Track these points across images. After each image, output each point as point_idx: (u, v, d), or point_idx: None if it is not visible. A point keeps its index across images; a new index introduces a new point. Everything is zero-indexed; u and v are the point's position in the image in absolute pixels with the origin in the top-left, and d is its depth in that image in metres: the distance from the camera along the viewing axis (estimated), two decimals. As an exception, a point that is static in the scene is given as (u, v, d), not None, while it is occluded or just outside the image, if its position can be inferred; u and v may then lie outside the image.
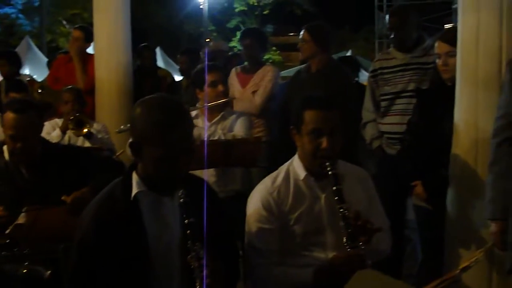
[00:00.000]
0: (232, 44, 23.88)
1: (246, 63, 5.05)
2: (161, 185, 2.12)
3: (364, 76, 12.09)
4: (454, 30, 3.11)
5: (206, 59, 5.05)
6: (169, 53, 17.10)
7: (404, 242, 4.20)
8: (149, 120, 2.02)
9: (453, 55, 3.13)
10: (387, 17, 4.22)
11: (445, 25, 22.37)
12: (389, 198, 3.36)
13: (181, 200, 2.06)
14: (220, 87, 3.72)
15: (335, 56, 14.86)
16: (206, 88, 3.71)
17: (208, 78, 3.69)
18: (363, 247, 2.30)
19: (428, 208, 3.33)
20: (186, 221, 2.03)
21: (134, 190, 2.10)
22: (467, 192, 2.84)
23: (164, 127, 2.00)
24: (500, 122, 2.59)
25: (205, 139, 3.51)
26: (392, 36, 4.06)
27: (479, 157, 2.78)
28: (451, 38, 3.16)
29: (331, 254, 2.45)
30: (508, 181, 2.52)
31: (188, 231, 2.02)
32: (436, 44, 3.32)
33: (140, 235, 2.07)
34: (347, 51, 18.12)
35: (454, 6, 18.50)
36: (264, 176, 2.69)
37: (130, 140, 2.09)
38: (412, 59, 3.96)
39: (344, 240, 2.31)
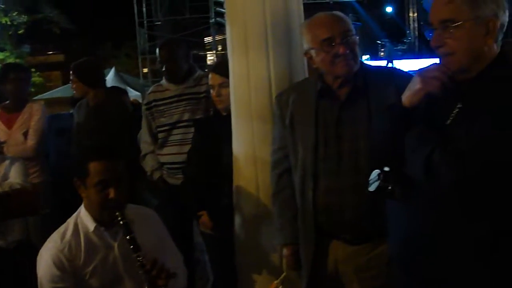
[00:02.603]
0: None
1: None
2: None
3: (131, 93, 12.12)
4: (226, 62, 3.23)
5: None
6: None
7: (194, 264, 4.31)
8: None
9: (226, 86, 3.24)
10: (157, 50, 4.30)
11: (204, 38, 23.31)
12: (176, 227, 3.44)
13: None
14: None
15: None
16: None
17: None
18: None
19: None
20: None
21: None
22: (253, 220, 2.97)
23: None
24: (277, 155, 2.75)
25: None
26: (163, 68, 4.13)
27: (261, 187, 2.93)
28: (223, 70, 3.30)
29: None
30: (292, 208, 2.70)
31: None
32: (210, 76, 3.46)
33: None
34: (110, 68, 17.92)
35: (211, 21, 19.41)
36: (47, 222, 2.59)
37: None
38: (184, 90, 4.07)
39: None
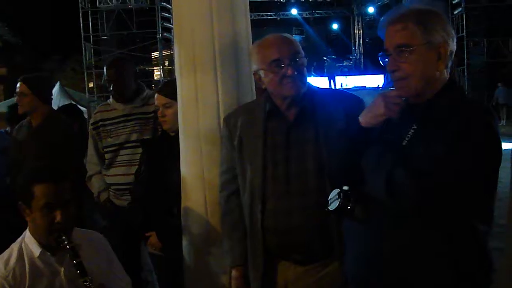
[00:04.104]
0: None
1: None
2: None
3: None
4: (171, 83, 3.24)
5: None
6: None
7: (142, 285, 4.27)
8: None
9: (169, 106, 3.26)
10: (104, 69, 4.25)
11: (152, 53, 23.21)
12: (123, 248, 3.40)
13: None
14: None
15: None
16: None
17: None
18: None
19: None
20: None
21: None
22: (201, 241, 2.95)
23: None
24: (225, 176, 2.76)
25: None
26: (111, 88, 4.09)
27: (209, 208, 2.91)
28: (168, 90, 3.31)
29: None
30: (240, 230, 2.71)
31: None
32: (156, 96, 3.45)
33: None
34: (56, 82, 17.61)
35: (158, 36, 19.38)
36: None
37: None
38: (132, 110, 4.04)
39: None
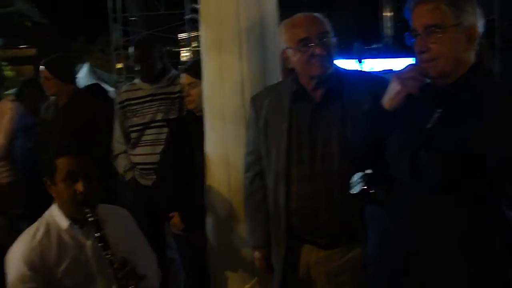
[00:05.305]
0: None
1: None
2: None
3: (107, 88, 12.00)
4: (197, 63, 3.24)
5: None
6: None
7: (167, 263, 4.31)
8: None
9: (195, 86, 3.28)
10: (130, 49, 4.28)
11: (178, 35, 23.24)
12: (148, 227, 3.43)
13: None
14: None
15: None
16: None
17: None
18: None
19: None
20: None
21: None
22: (225, 221, 2.98)
23: None
24: (250, 157, 2.76)
25: None
26: (137, 67, 4.12)
27: (232, 189, 2.94)
28: (194, 70, 3.31)
29: None
30: (263, 211, 2.71)
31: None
32: (182, 75, 3.47)
33: None
34: (84, 63, 17.74)
35: (186, 17, 19.32)
36: (16, 222, 2.57)
37: None
38: (158, 90, 4.06)
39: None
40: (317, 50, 2.49)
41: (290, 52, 2.57)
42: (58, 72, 4.20)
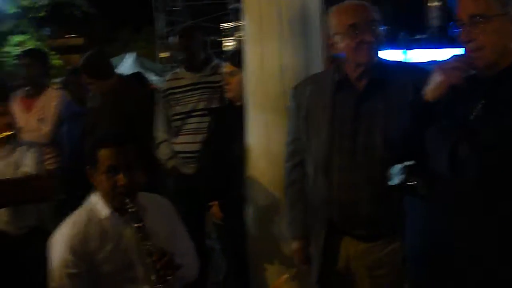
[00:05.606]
0: (6, 49, 22.28)
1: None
2: None
3: (151, 78, 12.17)
4: (239, 52, 3.26)
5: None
6: None
7: (207, 253, 4.34)
8: None
9: (235, 74, 3.29)
10: (173, 38, 4.31)
11: (221, 24, 23.32)
12: (189, 215, 3.45)
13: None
14: (4, 119, 3.49)
15: (119, 59, 14.45)
16: None
17: None
18: (171, 281, 2.33)
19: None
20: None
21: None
22: (265, 211, 2.98)
23: None
24: (291, 147, 2.73)
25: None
26: (180, 56, 4.15)
27: (273, 179, 2.93)
28: (234, 59, 3.33)
29: None
30: (303, 202, 2.69)
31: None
32: (223, 64, 3.49)
33: None
34: (130, 52, 18.00)
35: (231, 7, 19.39)
36: (60, 209, 2.61)
37: None
38: (200, 79, 4.09)
39: (153, 277, 2.34)
40: (366, 37, 2.45)
41: (338, 38, 2.53)
42: (96, 73, 4.26)
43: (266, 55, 2.91)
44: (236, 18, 19.81)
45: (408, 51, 23.90)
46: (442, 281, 2.08)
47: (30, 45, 20.69)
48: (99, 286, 2.48)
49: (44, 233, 2.76)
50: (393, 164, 2.17)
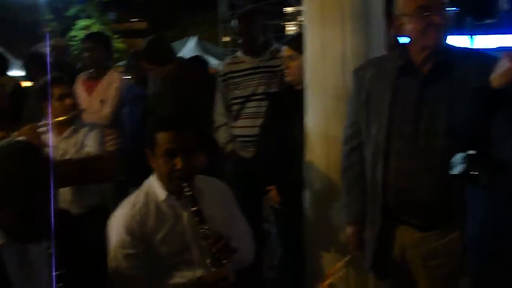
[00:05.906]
0: (73, 33, 22.91)
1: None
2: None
3: (213, 62, 12.25)
4: (299, 36, 3.22)
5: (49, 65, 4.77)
6: (5, 45, 15.96)
7: (263, 237, 4.35)
8: None
9: (294, 58, 3.26)
10: (234, 22, 4.30)
11: (284, 8, 23.18)
12: (246, 199, 3.46)
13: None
14: (68, 101, 3.56)
15: (181, 42, 14.60)
16: (53, 102, 3.52)
17: (54, 91, 3.51)
18: (226, 264, 2.35)
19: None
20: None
21: None
22: (323, 196, 2.96)
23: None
24: (350, 130, 2.69)
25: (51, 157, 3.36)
26: (240, 40, 4.14)
27: (331, 163, 2.90)
28: (294, 43, 3.30)
29: (198, 271, 2.47)
30: (360, 186, 2.64)
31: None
32: (283, 48, 3.46)
33: None
34: (192, 35, 18.16)
35: (292, -9, 19.29)
36: (121, 189, 2.64)
37: None
38: (260, 63, 4.08)
39: (208, 261, 2.36)
40: (436, 19, 2.38)
41: (405, 19, 2.46)
42: (156, 59, 4.26)
43: (327, 39, 2.88)
44: (299, 3, 19.72)
45: (475, 37, 23.14)
46: (505, 273, 2.02)
47: (95, 29, 21.22)
48: (155, 268, 2.51)
49: (106, 212, 2.81)
50: (455, 152, 2.10)
